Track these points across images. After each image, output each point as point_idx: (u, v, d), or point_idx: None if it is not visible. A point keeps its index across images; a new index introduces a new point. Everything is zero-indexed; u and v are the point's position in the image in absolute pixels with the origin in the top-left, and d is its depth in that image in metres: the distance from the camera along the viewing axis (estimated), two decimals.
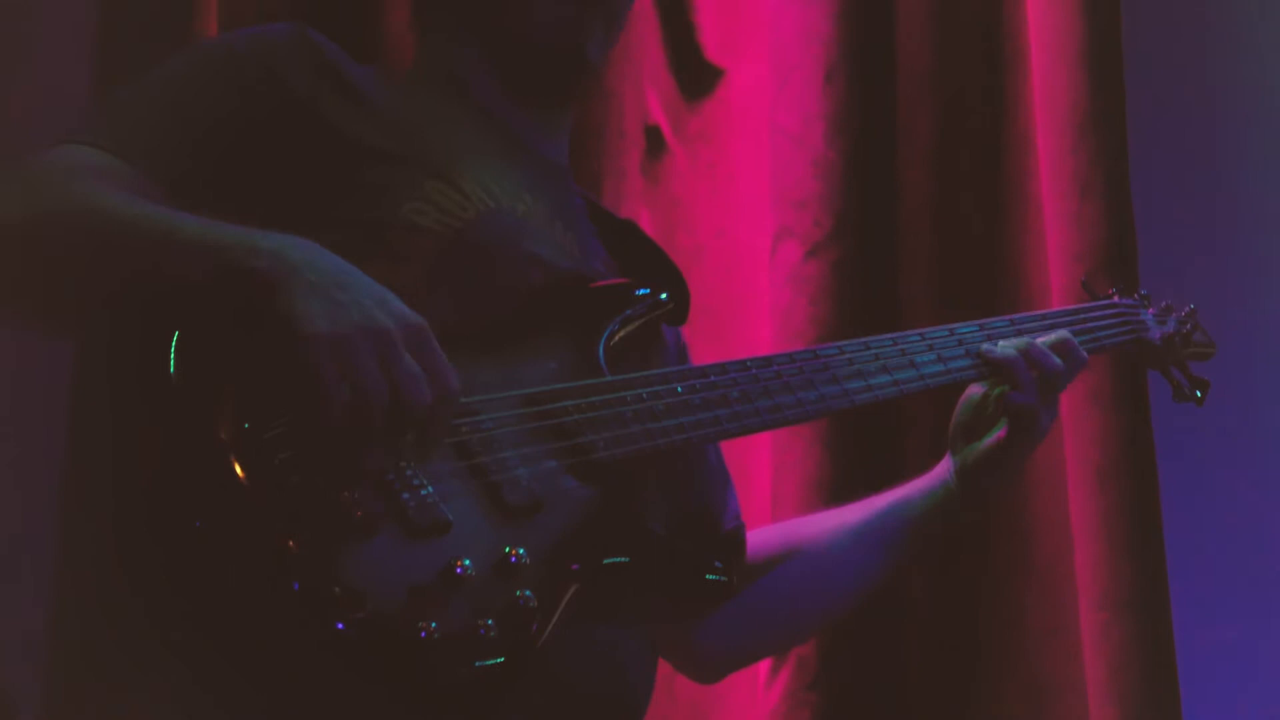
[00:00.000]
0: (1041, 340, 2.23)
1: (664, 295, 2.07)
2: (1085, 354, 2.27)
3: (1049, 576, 3.21)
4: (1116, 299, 2.53)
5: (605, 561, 1.78)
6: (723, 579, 1.85)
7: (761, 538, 2.31)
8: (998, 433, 2.23)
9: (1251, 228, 3.63)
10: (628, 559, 1.80)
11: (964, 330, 2.25)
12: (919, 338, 2.20)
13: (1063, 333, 2.27)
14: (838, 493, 3.08)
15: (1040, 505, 3.24)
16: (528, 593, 1.67)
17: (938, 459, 2.32)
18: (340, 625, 1.56)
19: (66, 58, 2.95)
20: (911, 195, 3.35)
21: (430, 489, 1.69)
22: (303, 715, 1.60)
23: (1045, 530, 3.23)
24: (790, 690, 3.19)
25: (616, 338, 1.98)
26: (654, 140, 3.46)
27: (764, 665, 3.22)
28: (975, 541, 3.20)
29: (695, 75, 3.51)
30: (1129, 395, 3.14)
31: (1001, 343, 2.23)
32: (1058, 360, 2.22)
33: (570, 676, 1.78)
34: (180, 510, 1.59)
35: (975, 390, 2.27)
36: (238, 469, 1.59)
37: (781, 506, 3.19)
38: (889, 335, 2.18)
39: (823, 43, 3.32)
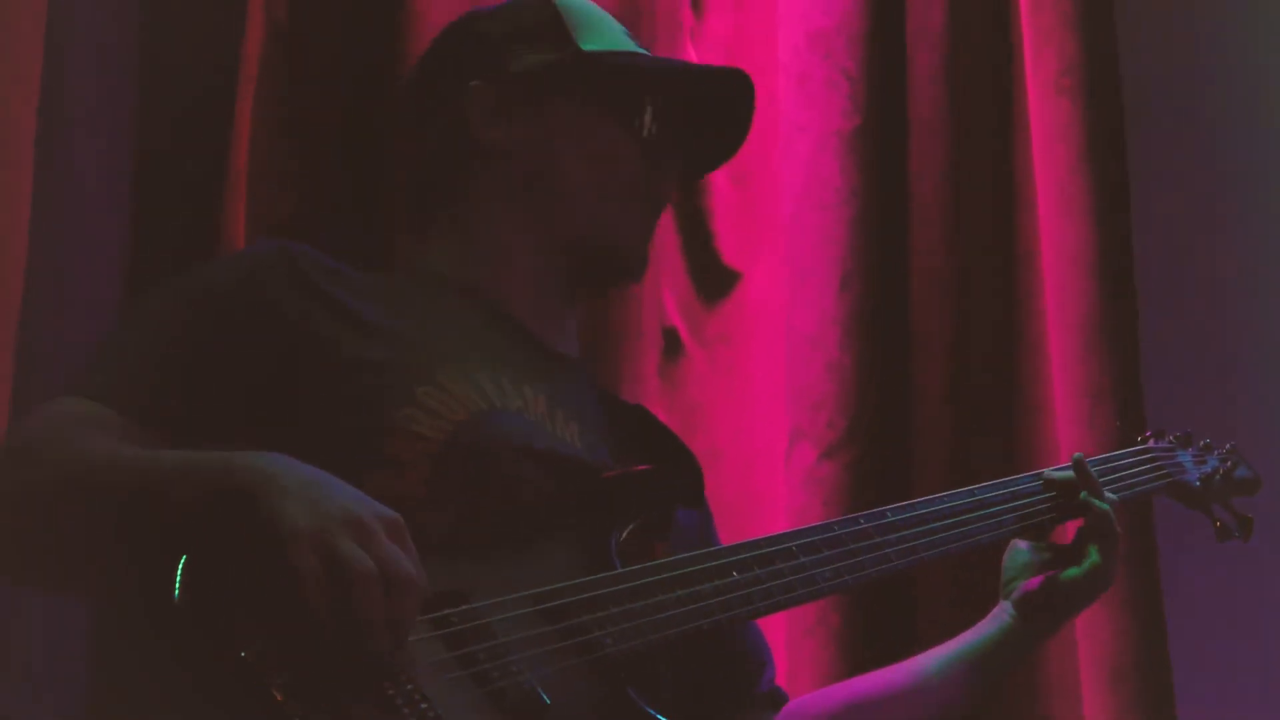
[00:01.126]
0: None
1: (676, 481, 2.08)
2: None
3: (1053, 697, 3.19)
4: (1151, 443, 2.53)
5: None
6: None
7: (821, 696, 2.31)
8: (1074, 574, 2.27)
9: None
10: None
11: (988, 493, 2.28)
12: (940, 503, 2.22)
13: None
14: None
15: (1055, 709, 3.22)
16: None
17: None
18: None
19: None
20: (926, 399, 3.38)
21: (431, 702, 1.68)
22: None
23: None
24: None
25: (629, 528, 1.99)
26: (672, 342, 3.50)
27: None
28: None
29: (713, 279, 3.55)
30: (1142, 595, 3.14)
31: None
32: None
33: None
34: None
35: (1020, 544, 2.32)
36: (241, 699, 1.60)
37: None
38: (907, 503, 2.20)
39: (838, 247, 3.37)
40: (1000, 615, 2.31)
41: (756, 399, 3.51)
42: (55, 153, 2.79)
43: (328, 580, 1.63)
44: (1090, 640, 3.12)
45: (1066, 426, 3.25)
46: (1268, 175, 3.75)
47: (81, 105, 2.86)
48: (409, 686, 1.68)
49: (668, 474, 2.08)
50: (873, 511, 2.16)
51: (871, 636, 3.19)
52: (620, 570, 1.92)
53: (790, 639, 3.20)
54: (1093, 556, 2.29)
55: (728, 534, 3.03)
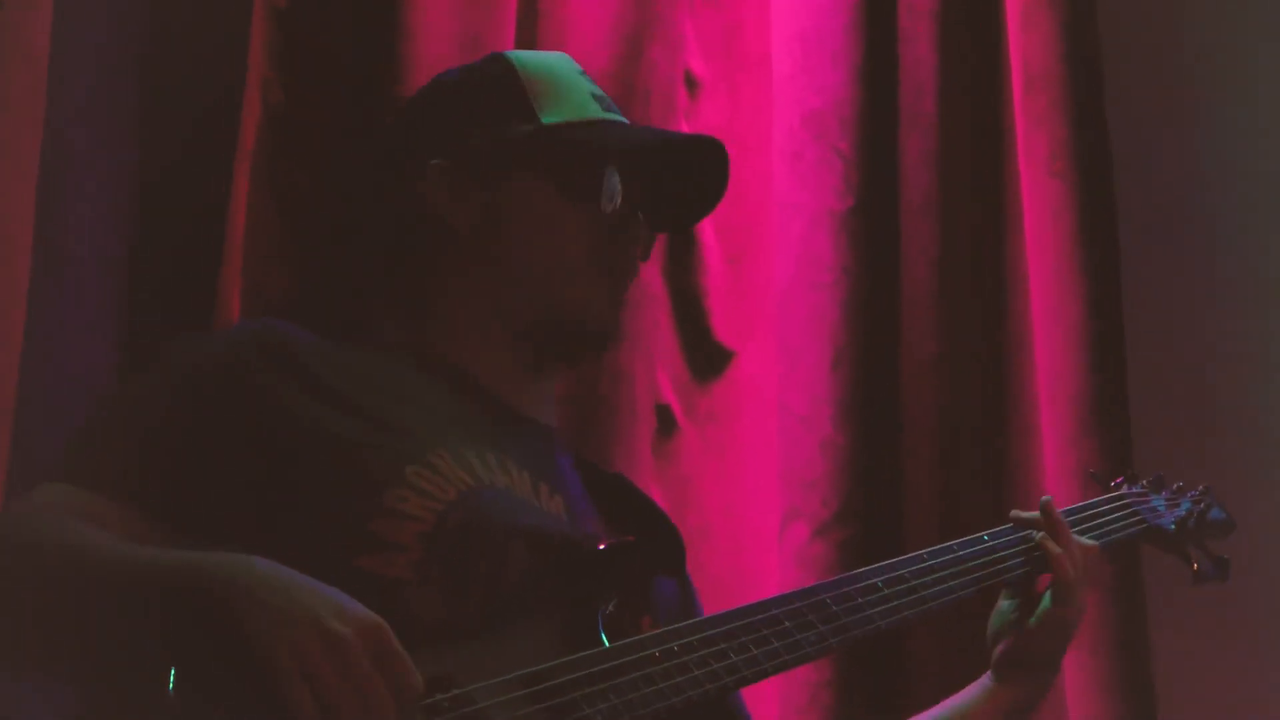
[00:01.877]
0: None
1: (658, 550, 2.08)
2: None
3: None
4: (1125, 488, 2.53)
5: None
6: None
7: None
8: (1031, 624, 2.28)
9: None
10: None
11: (968, 549, 2.30)
12: (919, 561, 2.23)
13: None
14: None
15: None
16: None
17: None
18: None
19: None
20: (916, 484, 3.39)
21: None
22: None
23: None
24: None
25: (613, 601, 1.98)
26: (665, 419, 3.49)
27: None
28: None
29: (706, 356, 3.56)
30: (1130, 643, 3.14)
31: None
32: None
33: None
34: None
35: (1004, 602, 2.33)
36: None
37: None
38: (889, 562, 2.21)
39: (830, 327, 3.39)
40: (984, 680, 2.32)
41: (748, 476, 3.51)
42: (52, 229, 2.80)
43: (309, 711, 1.63)
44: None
45: (1053, 454, 3.24)
46: (1260, 251, 3.77)
47: (79, 180, 2.87)
48: None
49: (650, 544, 2.07)
50: (856, 573, 2.18)
51: (866, 712, 3.19)
52: (608, 646, 1.92)
53: (783, 718, 3.20)
54: (1045, 603, 2.29)
55: (718, 610, 3.03)
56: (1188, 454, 3.36)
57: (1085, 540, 2.34)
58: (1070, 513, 2.41)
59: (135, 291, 3.05)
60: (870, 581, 2.15)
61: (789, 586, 3.29)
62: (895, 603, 2.15)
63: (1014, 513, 2.35)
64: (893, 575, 2.18)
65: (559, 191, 2.19)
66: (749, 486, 3.49)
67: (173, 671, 1.64)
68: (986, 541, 2.30)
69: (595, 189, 2.19)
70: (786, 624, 2.04)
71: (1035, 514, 2.33)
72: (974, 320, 3.44)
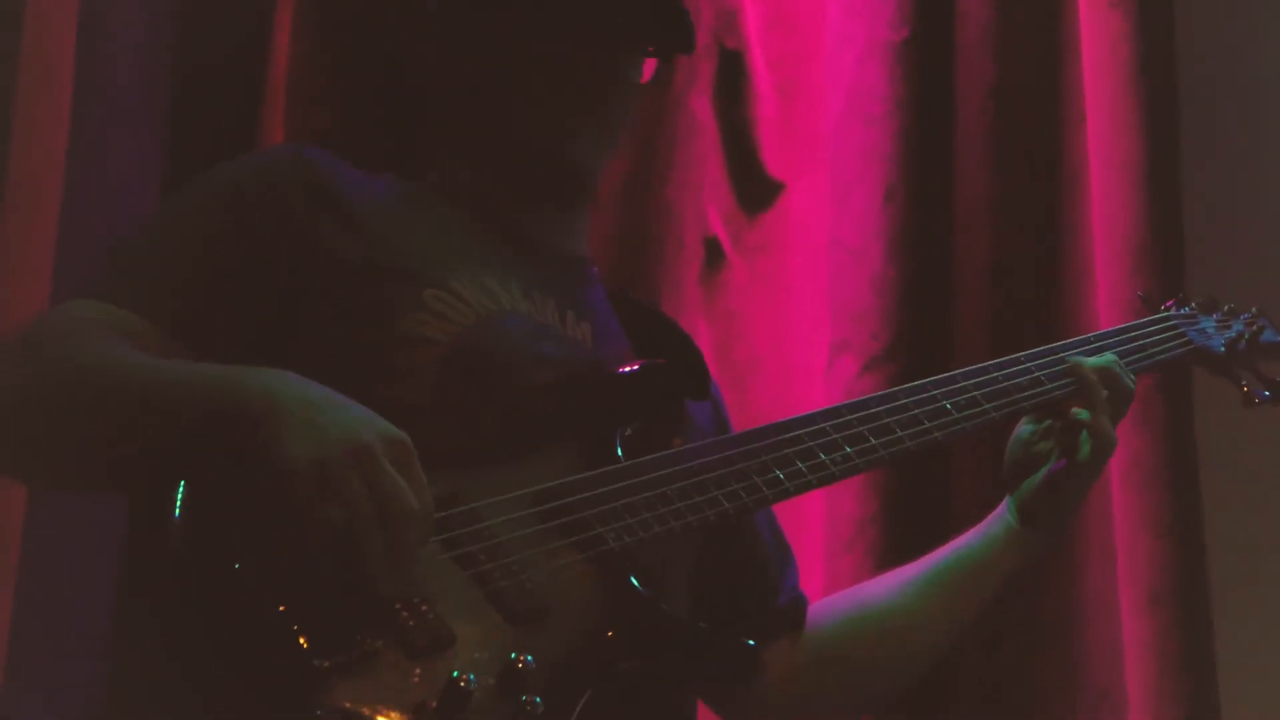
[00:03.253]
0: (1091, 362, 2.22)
1: (680, 373, 2.06)
2: (1130, 381, 2.25)
3: (1101, 703, 3.19)
4: (1175, 311, 2.48)
5: (616, 660, 1.77)
6: (749, 661, 1.82)
7: (826, 606, 2.28)
8: (1054, 463, 2.20)
9: None
10: (641, 657, 1.79)
11: (1009, 369, 2.23)
12: (949, 383, 2.17)
13: (1109, 355, 2.25)
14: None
15: (1092, 630, 3.22)
16: (537, 699, 1.66)
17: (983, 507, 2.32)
18: None
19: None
20: (968, 316, 3.36)
21: (430, 604, 1.69)
22: None
23: (1097, 654, 3.21)
24: None
25: (634, 424, 1.97)
26: (713, 252, 3.48)
27: None
28: (1024, 664, 3.20)
29: (755, 189, 3.53)
30: (1183, 519, 3.13)
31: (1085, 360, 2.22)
32: (1131, 381, 2.23)
33: None
34: (185, 658, 1.63)
35: (1024, 428, 2.26)
36: (241, 623, 1.62)
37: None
38: (917, 384, 2.16)
39: (883, 161, 3.35)
40: (1004, 514, 2.26)
41: (796, 310, 3.50)
42: (96, 68, 2.78)
43: (326, 518, 1.63)
44: (1129, 562, 3.12)
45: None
46: None
47: (121, 20, 2.85)
48: (409, 590, 1.69)
49: (671, 367, 2.05)
50: (882, 394, 2.13)
51: (910, 550, 3.19)
52: (621, 465, 1.91)
53: (828, 554, 3.21)
54: (1083, 451, 2.21)
55: None
56: (1243, 292, 3.31)
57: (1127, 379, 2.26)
58: (1116, 333, 2.35)
59: (177, 132, 3.05)
60: (900, 402, 2.10)
61: None
62: (924, 425, 2.10)
63: (1069, 360, 2.25)
64: (924, 395, 2.14)
65: (531, 25, 2.14)
66: (797, 320, 3.48)
67: (181, 488, 1.65)
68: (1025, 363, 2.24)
69: (565, 25, 2.13)
70: (810, 444, 2.00)
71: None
72: (1029, 155, 3.39)
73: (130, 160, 2.96)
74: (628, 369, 2.04)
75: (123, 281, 1.93)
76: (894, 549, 3.16)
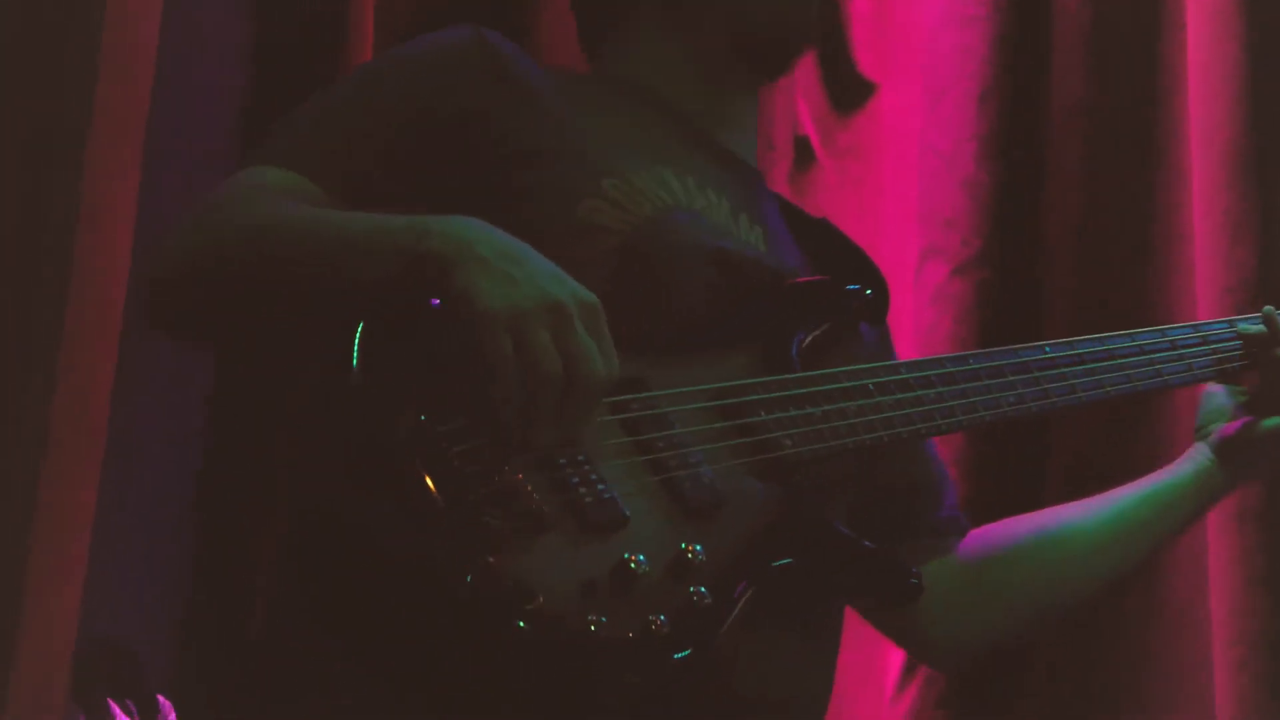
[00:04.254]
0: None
1: (867, 292, 2.03)
2: None
3: (1182, 619, 3.18)
4: None
5: (783, 564, 1.75)
6: (911, 582, 1.82)
7: (1005, 527, 2.26)
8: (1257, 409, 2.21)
9: None
10: (808, 562, 1.78)
11: (1177, 333, 2.21)
12: (1128, 339, 2.15)
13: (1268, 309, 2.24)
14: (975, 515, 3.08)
15: (1176, 547, 3.21)
16: (703, 589, 1.65)
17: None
18: (512, 620, 1.57)
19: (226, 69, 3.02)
20: (1059, 223, 3.33)
21: (607, 484, 1.68)
22: (468, 710, 1.61)
23: (1180, 571, 3.20)
24: (918, 706, 3.19)
25: (811, 336, 1.95)
26: (803, 152, 3.46)
27: (893, 676, 3.22)
28: None
29: (848, 90, 3.51)
30: None
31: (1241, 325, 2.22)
32: None
33: (740, 680, 1.75)
34: (360, 506, 1.62)
35: (1215, 388, 2.26)
36: (415, 466, 1.60)
37: None
38: (1097, 336, 2.13)
39: (978, 64, 3.31)
40: (1196, 457, 2.23)
41: (885, 212, 3.48)
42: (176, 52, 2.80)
43: (514, 369, 1.61)
44: None
45: (1204, 259, 3.18)
46: None
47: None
48: (586, 466, 1.68)
49: (854, 286, 2.04)
50: (1058, 342, 2.10)
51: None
52: (802, 374, 1.89)
53: None
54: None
55: None
56: None
57: None
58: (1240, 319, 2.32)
59: (264, 10, 3.05)
60: (1076, 352, 2.08)
61: (924, 325, 3.29)
62: (1100, 376, 2.08)
63: (1238, 324, 2.23)
64: (1101, 349, 2.10)
65: None
66: (885, 222, 3.46)
67: (357, 333, 1.65)
68: (1200, 331, 2.22)
69: None
70: (987, 380, 1.99)
71: (1259, 325, 2.23)
72: (1127, 62, 3.34)
73: (217, 43, 2.98)
74: (811, 280, 2.02)
75: (299, 149, 1.91)
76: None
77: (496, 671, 1.58)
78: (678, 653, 1.62)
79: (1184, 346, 2.18)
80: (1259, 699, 3.04)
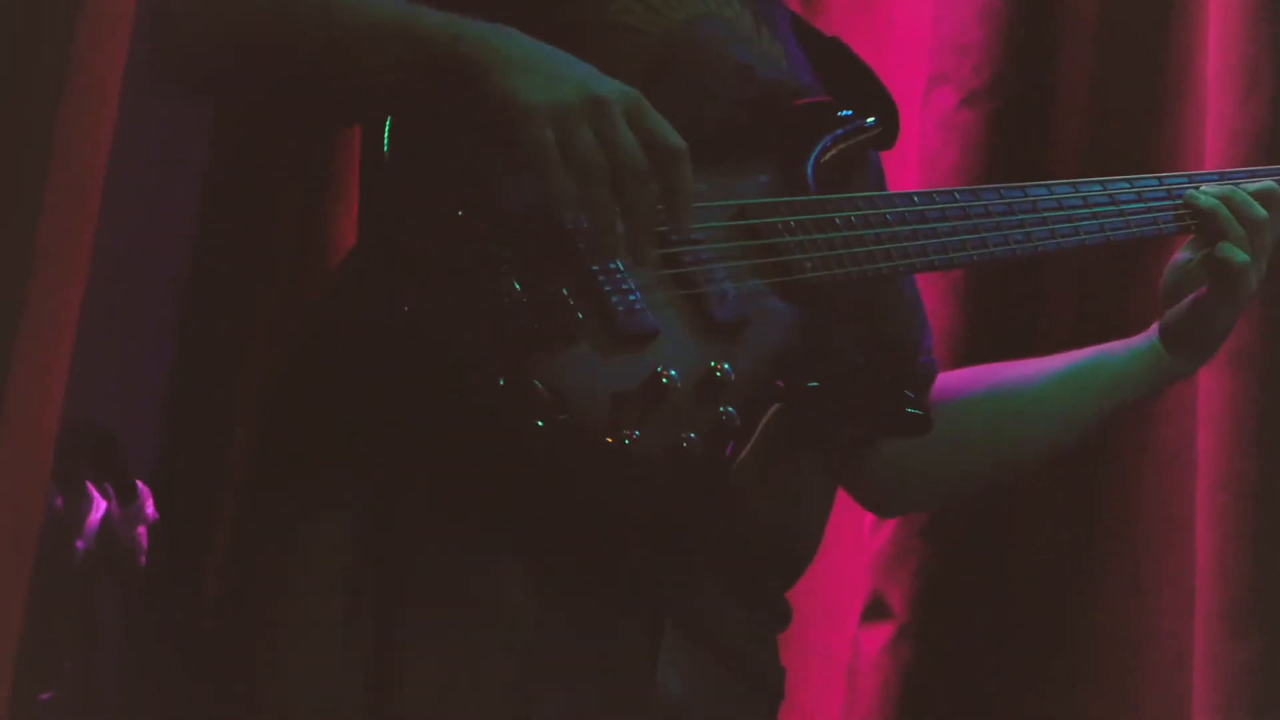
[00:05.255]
0: (1247, 187, 2.14)
1: (873, 118, 2.01)
2: (1258, 211, 2.14)
3: (1171, 462, 3.17)
4: None
5: (808, 385, 1.75)
6: (921, 413, 1.81)
7: (955, 376, 2.26)
8: (1208, 289, 2.13)
9: None
10: (830, 384, 1.77)
11: (1173, 180, 2.16)
12: (1128, 184, 2.12)
13: (1268, 182, 2.15)
14: (967, 352, 3.07)
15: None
16: (731, 409, 1.65)
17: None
18: (540, 423, 1.56)
19: None
20: (1072, 61, 3.27)
21: (638, 295, 1.67)
22: (488, 515, 1.61)
23: (1170, 416, 3.19)
24: (899, 536, 3.19)
25: (826, 157, 1.93)
26: None
27: None
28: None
29: None
30: (1267, 281, 3.07)
31: (1204, 188, 2.14)
32: (1261, 210, 2.11)
33: (753, 505, 1.75)
34: (390, 298, 1.59)
35: (1181, 255, 2.19)
36: (451, 259, 1.59)
37: None
38: (1097, 180, 2.10)
39: None
40: (1152, 334, 2.20)
41: (897, 37, 3.43)
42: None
43: (558, 160, 1.58)
44: None
45: (1216, 103, 3.13)
46: None
47: None
48: (618, 275, 1.67)
49: (865, 107, 2.00)
50: (1071, 181, 2.08)
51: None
52: (823, 196, 1.88)
53: None
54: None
55: None
56: None
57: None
58: (1243, 172, 2.26)
59: None
60: (1085, 193, 2.06)
61: (929, 152, 3.25)
62: (1103, 220, 2.06)
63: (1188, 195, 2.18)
64: (1104, 193, 2.08)
65: None
66: (896, 47, 3.41)
67: (388, 125, 1.62)
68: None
69: None
70: (998, 217, 1.98)
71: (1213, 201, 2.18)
72: None
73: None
74: (830, 100, 1.99)
75: None
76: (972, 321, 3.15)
77: (519, 477, 1.58)
78: (708, 472, 1.62)
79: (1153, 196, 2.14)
80: (1237, 545, 3.05)
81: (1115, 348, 2.20)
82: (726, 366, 1.67)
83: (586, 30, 1.84)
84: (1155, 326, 2.20)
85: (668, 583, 1.70)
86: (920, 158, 3.26)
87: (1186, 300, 2.15)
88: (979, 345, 3.12)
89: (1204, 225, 2.12)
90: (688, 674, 1.72)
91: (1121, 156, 3.22)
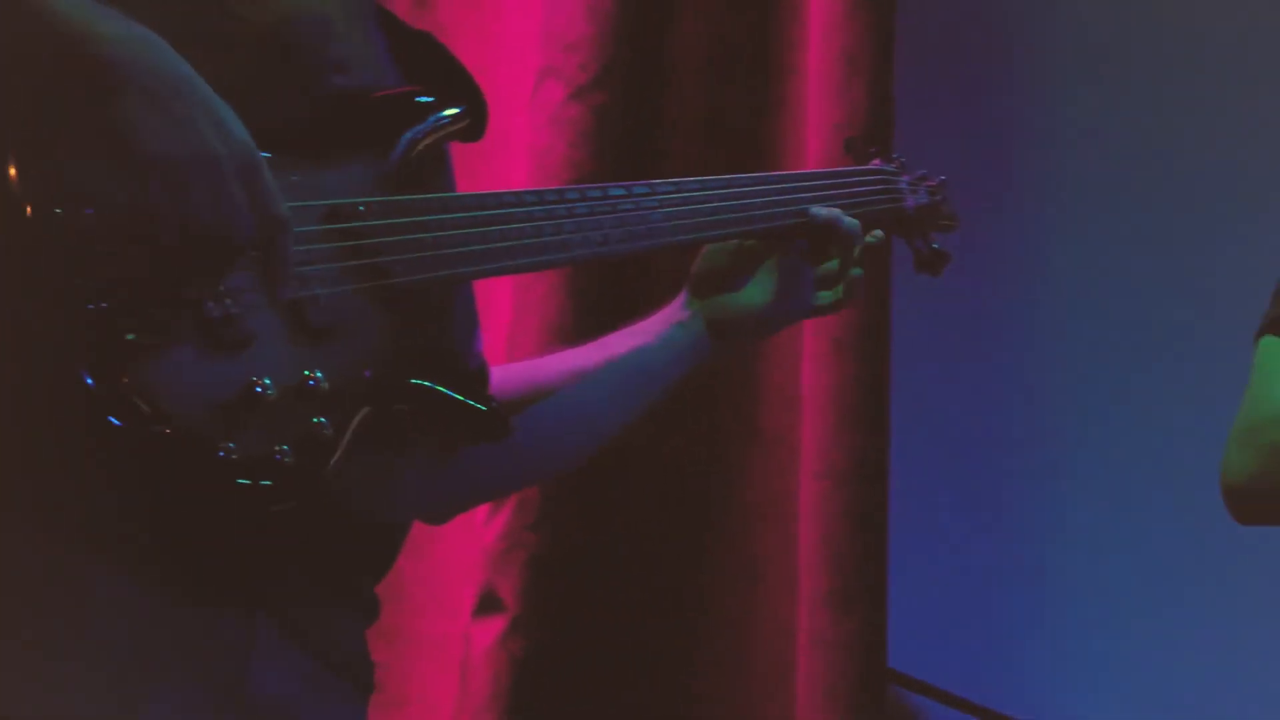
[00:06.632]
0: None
1: (457, 108, 2.00)
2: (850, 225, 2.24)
3: (775, 447, 3.26)
4: (879, 163, 2.50)
5: (410, 382, 1.74)
6: (506, 421, 1.81)
7: (502, 374, 2.26)
8: (771, 292, 2.21)
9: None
10: (420, 389, 1.76)
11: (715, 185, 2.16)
12: (727, 184, 2.15)
13: (853, 223, 2.25)
14: (576, 337, 3.08)
15: (772, 375, 3.28)
16: (324, 420, 1.63)
17: None
18: (118, 423, 1.51)
19: None
20: (683, 52, 3.34)
21: (232, 301, 1.62)
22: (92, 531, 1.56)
23: (775, 399, 3.27)
24: (510, 529, 3.21)
25: (416, 151, 1.87)
26: None
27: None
28: (699, 409, 3.25)
29: None
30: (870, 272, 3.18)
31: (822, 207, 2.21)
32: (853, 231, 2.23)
33: (343, 503, 1.73)
34: None
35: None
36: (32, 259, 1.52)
37: (518, 346, 3.18)
38: (696, 179, 2.12)
39: None
40: (685, 320, 2.22)
41: (506, 33, 3.43)
42: None
43: (164, 217, 1.53)
44: None
45: (817, 95, 3.24)
46: None
47: None
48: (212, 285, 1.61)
49: (454, 100, 1.99)
50: (670, 181, 2.08)
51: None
52: (416, 198, 1.83)
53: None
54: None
55: (462, 167, 3.01)
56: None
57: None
58: (832, 175, 2.34)
59: None
60: (689, 193, 2.07)
61: (539, 148, 3.26)
62: (700, 220, 2.09)
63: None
64: (701, 194, 2.09)
65: None
66: (505, 43, 3.42)
67: None
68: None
69: None
70: (581, 216, 1.96)
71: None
72: None
73: None
74: (416, 91, 1.93)
75: None
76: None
77: (109, 480, 1.53)
78: (297, 487, 1.60)
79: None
80: (839, 530, 3.15)
81: (650, 342, 2.22)
82: (320, 374, 1.64)
83: (196, 12, 1.75)
84: (681, 309, 2.23)
85: (259, 580, 1.67)
86: (530, 153, 3.28)
87: (753, 301, 2.22)
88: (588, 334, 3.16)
89: (819, 239, 2.20)
90: (281, 670, 1.71)
91: (729, 150, 3.30)
